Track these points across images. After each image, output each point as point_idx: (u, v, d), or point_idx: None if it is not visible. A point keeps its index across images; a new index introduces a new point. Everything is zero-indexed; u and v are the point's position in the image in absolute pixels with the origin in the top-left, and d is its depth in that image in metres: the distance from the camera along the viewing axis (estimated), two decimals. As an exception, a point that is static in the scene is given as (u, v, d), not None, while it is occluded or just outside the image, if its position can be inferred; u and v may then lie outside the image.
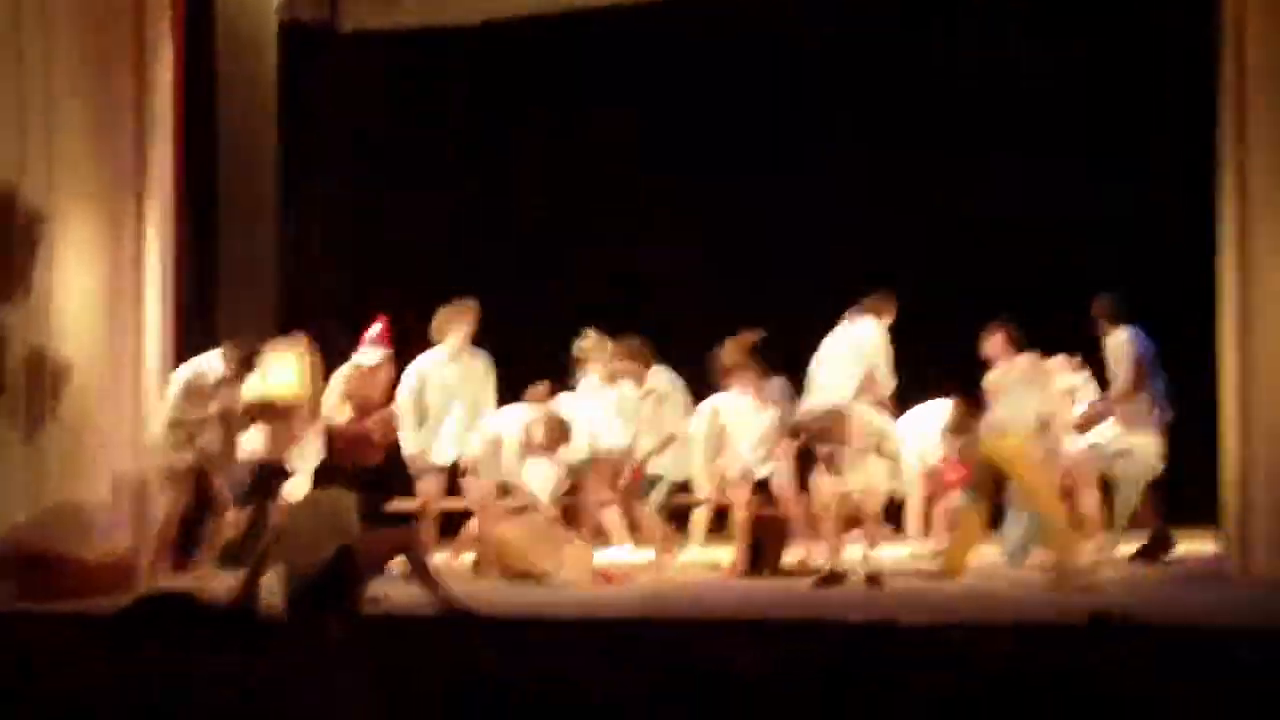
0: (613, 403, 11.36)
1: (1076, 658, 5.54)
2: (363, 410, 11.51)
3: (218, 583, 10.00)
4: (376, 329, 11.67)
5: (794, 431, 10.80)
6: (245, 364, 10.83)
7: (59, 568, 10.11)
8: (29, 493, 10.36)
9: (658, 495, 10.91)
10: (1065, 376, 11.56)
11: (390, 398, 11.64)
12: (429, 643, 7.34)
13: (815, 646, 6.49)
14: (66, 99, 10.79)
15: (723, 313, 13.83)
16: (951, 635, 7.25)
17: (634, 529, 11.82)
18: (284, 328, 11.98)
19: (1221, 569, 10.04)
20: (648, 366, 11.07)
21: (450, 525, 12.08)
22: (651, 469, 11.17)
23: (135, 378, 11.09)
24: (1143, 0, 13.79)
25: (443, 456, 11.55)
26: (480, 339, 11.86)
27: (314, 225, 14.20)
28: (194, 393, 10.78)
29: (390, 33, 14.40)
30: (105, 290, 11.02)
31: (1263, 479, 9.65)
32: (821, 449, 10.31)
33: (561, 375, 11.94)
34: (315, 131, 14.15)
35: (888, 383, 10.38)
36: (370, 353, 11.53)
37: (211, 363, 10.86)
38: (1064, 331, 11.61)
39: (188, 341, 11.54)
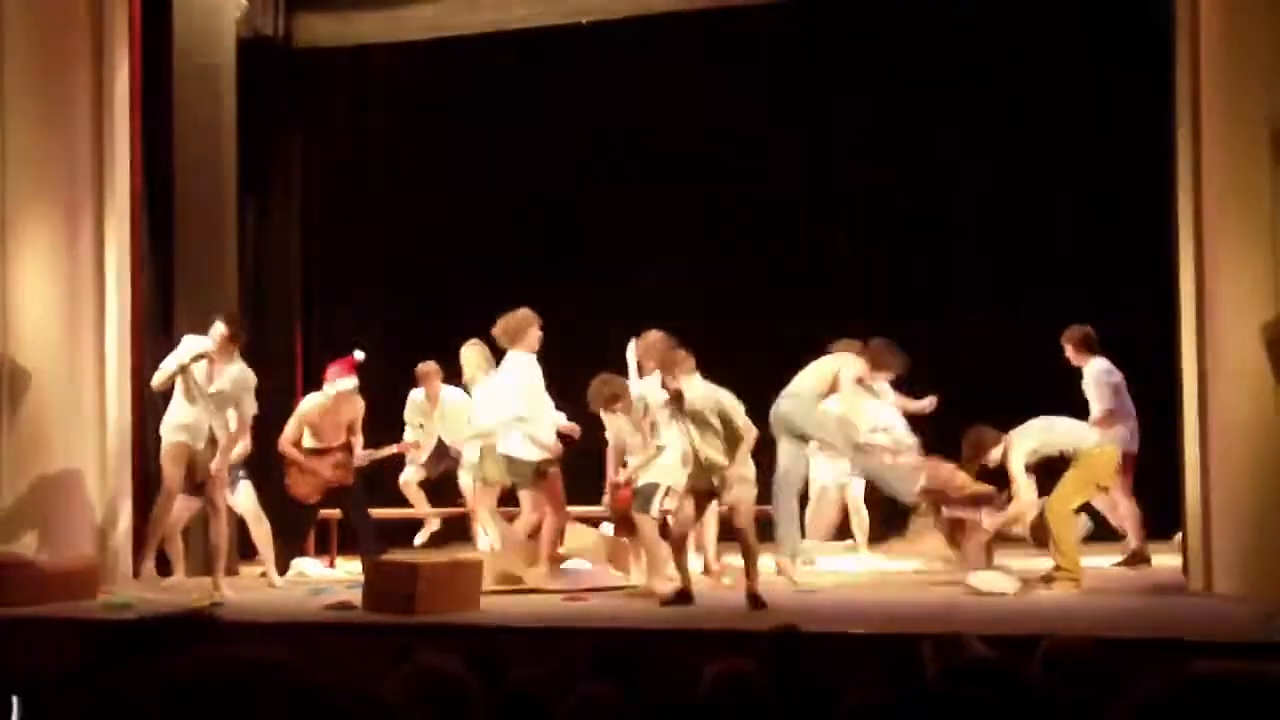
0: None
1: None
2: (321, 436, 11.61)
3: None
4: (345, 361, 11.80)
5: None
6: (234, 341, 10.73)
7: (19, 573, 10.04)
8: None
9: (657, 503, 10.61)
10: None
11: (354, 430, 11.84)
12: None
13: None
14: (20, 102, 10.73)
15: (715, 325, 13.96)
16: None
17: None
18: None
19: (1184, 583, 10.09)
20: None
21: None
22: (647, 478, 10.77)
23: (96, 383, 11.03)
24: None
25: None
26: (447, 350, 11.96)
27: (272, 232, 14.14)
28: (189, 371, 10.69)
29: (346, 48, 14.39)
30: (64, 295, 10.96)
31: (1223, 495, 9.68)
32: None
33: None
34: (273, 140, 14.10)
35: None
36: (343, 381, 11.71)
37: (203, 342, 10.74)
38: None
39: (147, 348, 11.47)
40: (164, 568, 11.25)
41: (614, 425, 11.02)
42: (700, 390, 9.96)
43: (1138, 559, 11.61)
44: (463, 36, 13.86)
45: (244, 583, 11.49)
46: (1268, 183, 9.17)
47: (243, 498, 11.45)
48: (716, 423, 9.84)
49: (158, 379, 10.75)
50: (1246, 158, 9.34)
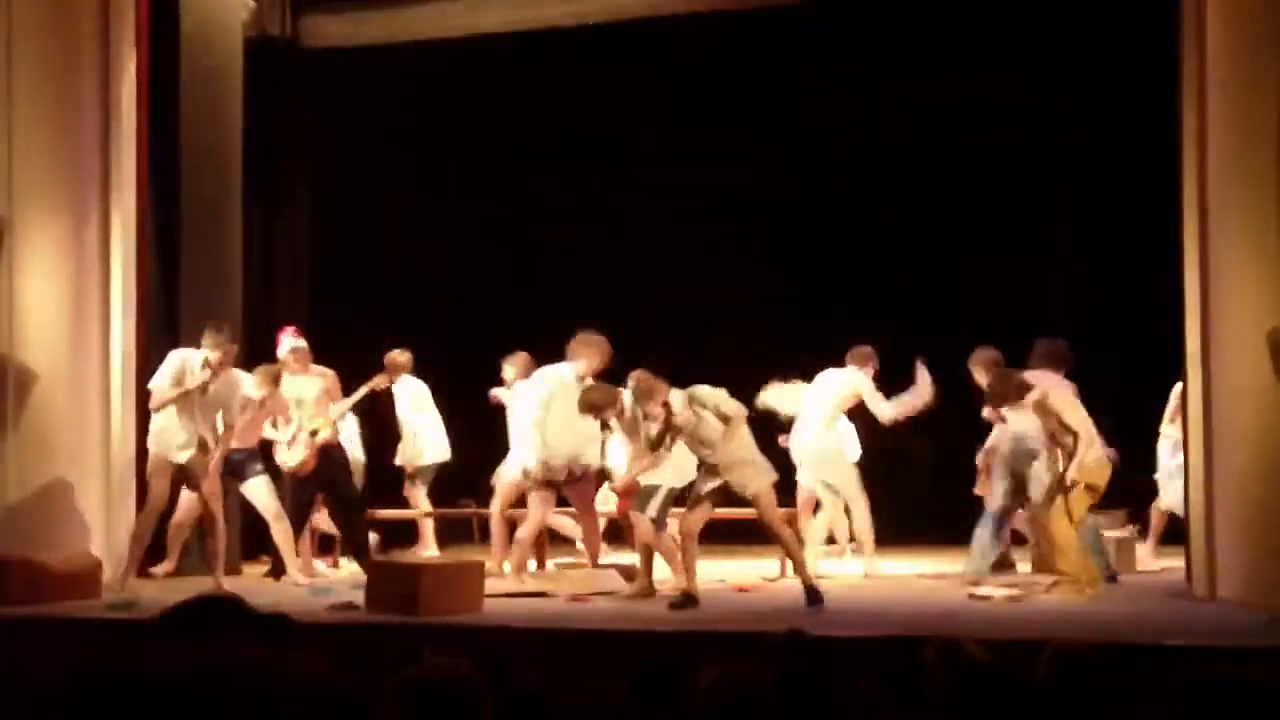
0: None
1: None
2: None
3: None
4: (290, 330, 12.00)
5: None
6: (229, 350, 10.84)
7: (23, 572, 10.06)
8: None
9: (656, 505, 10.64)
10: None
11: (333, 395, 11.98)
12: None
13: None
14: (27, 104, 10.74)
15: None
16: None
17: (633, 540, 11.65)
18: (247, 336, 12.06)
19: (1188, 589, 10.08)
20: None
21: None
22: (648, 479, 10.79)
23: (101, 384, 11.05)
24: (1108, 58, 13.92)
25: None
26: (437, 346, 12.02)
27: (279, 234, 14.16)
28: (179, 378, 10.72)
29: (353, 49, 14.39)
30: (70, 298, 10.98)
31: (1228, 501, 9.67)
32: None
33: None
34: (280, 142, 14.11)
35: None
36: (285, 343, 11.91)
37: (197, 352, 10.82)
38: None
39: (152, 351, 11.49)
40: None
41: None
42: (680, 398, 10.07)
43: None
44: (470, 37, 13.88)
45: (246, 583, 11.49)
46: (1273, 195, 9.17)
47: (261, 494, 11.50)
48: (709, 418, 9.98)
49: (156, 402, 10.75)
50: (1252, 168, 9.33)
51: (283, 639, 2.28)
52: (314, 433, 11.59)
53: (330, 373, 12.15)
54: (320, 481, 11.75)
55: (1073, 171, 14.56)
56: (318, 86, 14.67)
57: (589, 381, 11.08)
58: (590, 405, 10.57)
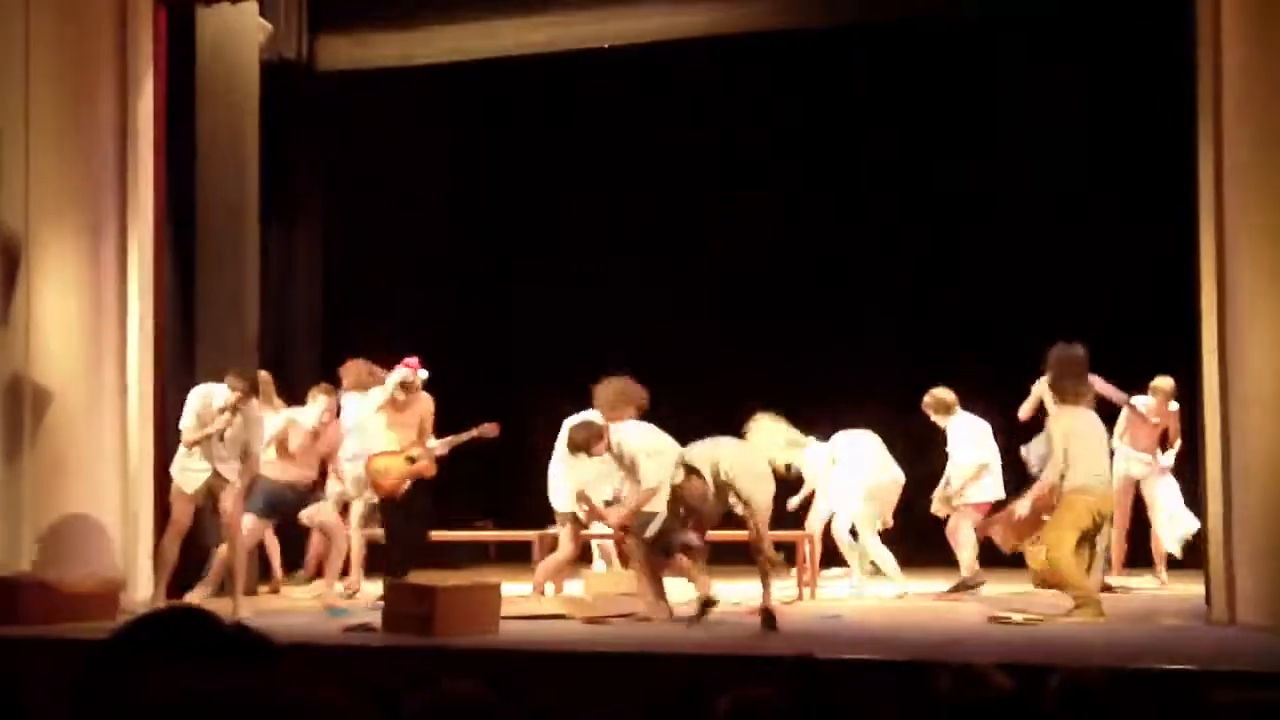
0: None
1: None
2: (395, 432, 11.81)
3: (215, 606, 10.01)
4: (414, 362, 11.98)
5: None
6: (250, 391, 10.87)
7: (40, 593, 10.06)
8: (9, 519, 10.33)
9: (653, 529, 10.65)
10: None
11: (428, 430, 11.97)
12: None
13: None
14: (45, 125, 10.79)
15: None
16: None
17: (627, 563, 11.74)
18: (263, 358, 12.08)
19: (1207, 614, 10.03)
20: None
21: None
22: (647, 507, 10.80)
23: (118, 405, 11.05)
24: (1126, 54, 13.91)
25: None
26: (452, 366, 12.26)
27: (295, 256, 14.19)
28: (203, 415, 10.78)
29: (368, 71, 14.44)
30: (87, 318, 11.00)
31: (1246, 523, 9.63)
32: None
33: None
34: (296, 163, 14.15)
35: None
36: (393, 375, 11.92)
37: (220, 388, 10.88)
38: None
39: (169, 370, 11.52)
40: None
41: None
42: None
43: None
44: (485, 60, 13.92)
45: (262, 604, 11.52)
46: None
47: (325, 512, 11.73)
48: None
49: (186, 442, 10.83)
50: (1270, 186, 9.31)
51: (255, 657, 2.26)
52: (412, 459, 11.69)
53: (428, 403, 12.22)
54: (405, 506, 11.91)
55: (1082, 181, 14.54)
56: (333, 109, 14.70)
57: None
58: (575, 445, 10.62)
